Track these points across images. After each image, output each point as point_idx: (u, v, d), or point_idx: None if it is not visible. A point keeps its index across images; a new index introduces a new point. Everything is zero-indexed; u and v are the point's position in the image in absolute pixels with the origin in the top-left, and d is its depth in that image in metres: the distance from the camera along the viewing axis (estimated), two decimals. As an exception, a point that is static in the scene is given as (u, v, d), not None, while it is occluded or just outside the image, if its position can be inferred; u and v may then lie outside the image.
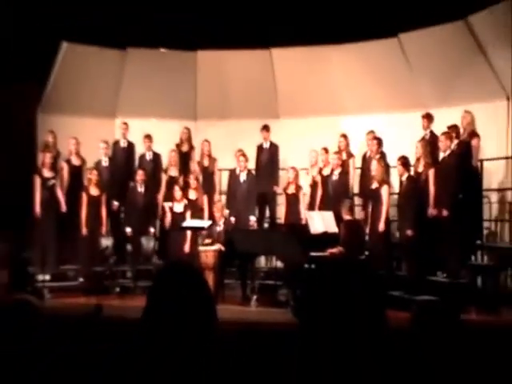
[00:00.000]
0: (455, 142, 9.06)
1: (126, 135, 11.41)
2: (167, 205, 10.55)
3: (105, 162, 11.07)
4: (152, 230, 10.70)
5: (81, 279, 10.30)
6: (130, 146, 11.44)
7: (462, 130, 9.27)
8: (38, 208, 10.12)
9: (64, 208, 10.38)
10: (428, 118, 9.83)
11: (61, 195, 10.44)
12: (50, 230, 10.24)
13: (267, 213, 11.20)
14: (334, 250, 8.61)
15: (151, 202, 10.83)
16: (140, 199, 10.69)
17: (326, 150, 10.53)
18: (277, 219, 10.98)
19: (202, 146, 11.25)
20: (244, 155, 10.77)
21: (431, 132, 9.71)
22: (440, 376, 1.96)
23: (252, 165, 11.09)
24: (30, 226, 10.07)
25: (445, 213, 8.69)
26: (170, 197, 10.66)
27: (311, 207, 10.30)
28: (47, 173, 10.36)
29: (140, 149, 11.46)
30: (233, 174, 10.90)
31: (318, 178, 10.46)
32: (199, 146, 11.45)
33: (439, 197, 8.81)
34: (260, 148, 11.26)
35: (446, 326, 2.06)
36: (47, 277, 9.92)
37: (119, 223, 10.90)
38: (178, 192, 10.40)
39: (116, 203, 10.87)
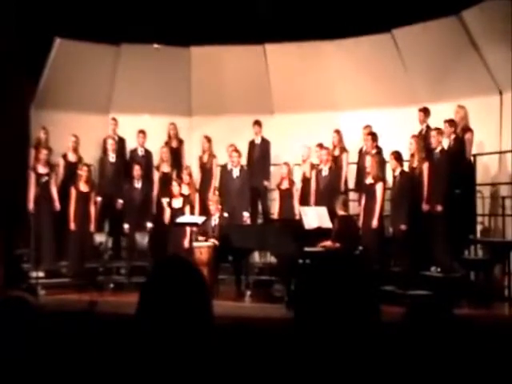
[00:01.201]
0: (452, 136, 9.12)
1: (115, 131, 11.38)
2: (165, 200, 10.53)
3: (112, 158, 11.04)
4: (150, 225, 10.66)
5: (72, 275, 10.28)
6: (121, 141, 11.41)
7: (455, 125, 9.31)
8: (32, 204, 10.10)
9: (58, 206, 10.35)
10: (425, 111, 9.84)
11: (55, 192, 10.42)
12: (45, 226, 10.22)
13: (260, 208, 11.21)
14: (326, 243, 8.62)
15: (147, 198, 10.81)
16: (137, 195, 10.68)
17: (320, 146, 10.53)
18: (270, 214, 10.99)
19: (202, 142, 11.23)
20: (237, 151, 10.76)
21: (427, 126, 9.73)
22: (433, 370, 1.97)
23: (244, 160, 11.09)
24: (24, 222, 10.03)
25: (439, 208, 8.73)
26: (165, 193, 10.65)
27: (303, 202, 10.29)
28: (42, 169, 10.34)
29: (132, 145, 11.44)
30: (225, 169, 10.89)
31: (309, 174, 10.47)
32: (195, 142, 11.42)
33: (433, 192, 8.84)
34: (252, 143, 11.25)
35: (439, 320, 2.07)
36: (41, 273, 9.89)
37: (119, 220, 10.86)
38: (175, 187, 10.39)
39: (121, 201, 10.83)
